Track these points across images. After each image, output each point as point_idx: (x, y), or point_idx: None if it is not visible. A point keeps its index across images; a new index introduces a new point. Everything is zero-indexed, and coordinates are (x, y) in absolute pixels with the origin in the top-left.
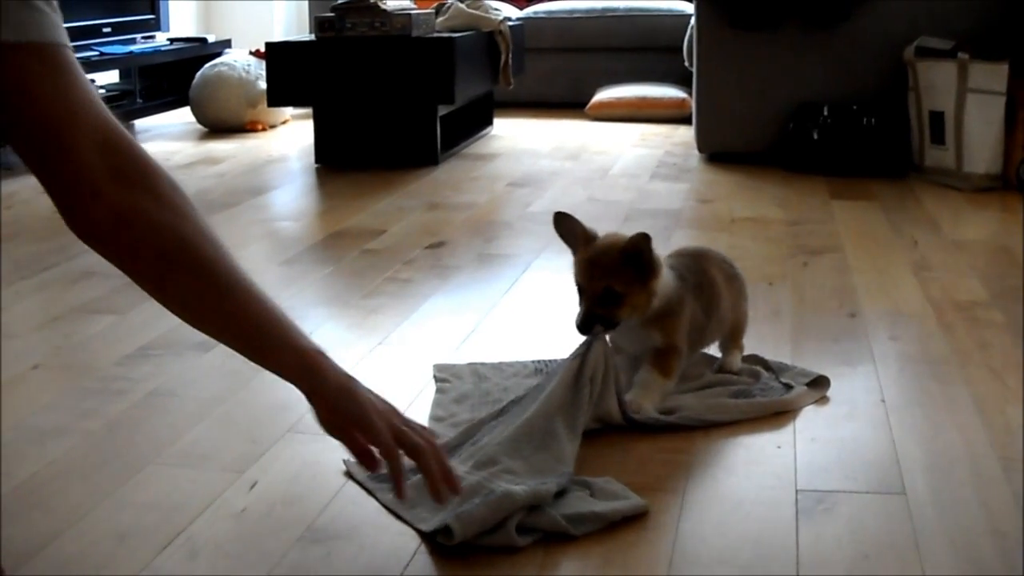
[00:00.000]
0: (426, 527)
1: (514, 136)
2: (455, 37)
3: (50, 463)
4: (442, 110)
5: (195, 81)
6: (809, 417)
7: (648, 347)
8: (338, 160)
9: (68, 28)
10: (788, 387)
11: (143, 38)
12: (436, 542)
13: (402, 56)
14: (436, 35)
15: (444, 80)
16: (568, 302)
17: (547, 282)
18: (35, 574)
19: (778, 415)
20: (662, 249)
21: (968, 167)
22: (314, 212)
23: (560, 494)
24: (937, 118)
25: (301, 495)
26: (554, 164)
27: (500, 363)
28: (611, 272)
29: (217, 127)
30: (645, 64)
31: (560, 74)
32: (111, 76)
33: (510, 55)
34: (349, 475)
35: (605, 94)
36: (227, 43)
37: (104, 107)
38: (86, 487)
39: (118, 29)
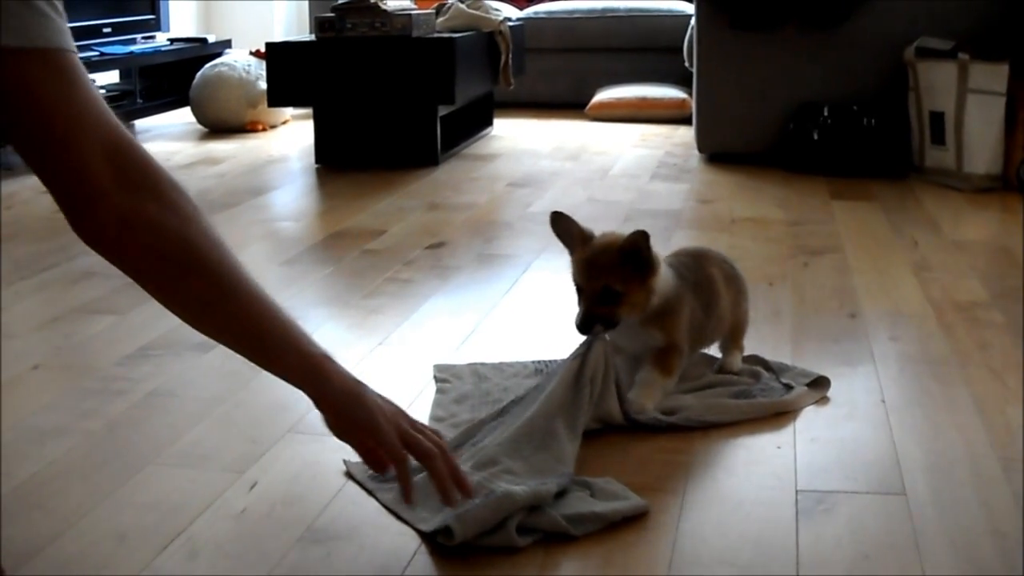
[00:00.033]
0: (426, 527)
1: (514, 136)
2: (455, 37)
3: (50, 463)
4: (442, 110)
5: (195, 81)
6: (809, 417)
7: (648, 346)
8: (338, 160)
9: (68, 28)
10: (789, 387)
11: (143, 38)
12: (436, 542)
13: (402, 56)
14: (436, 35)
15: (444, 80)
16: (568, 302)
17: (547, 283)
18: (35, 574)
19: (778, 415)
20: (662, 250)
21: (968, 167)
22: (314, 212)
23: (560, 494)
24: (937, 118)
25: (301, 495)
26: (554, 164)
27: (500, 363)
28: (609, 271)
29: (217, 127)
30: (645, 64)
31: (560, 74)
32: (111, 76)
33: (510, 55)
34: (349, 475)
35: (605, 94)
36: (227, 43)
37: (109, 112)
38: (86, 487)
39: (118, 29)
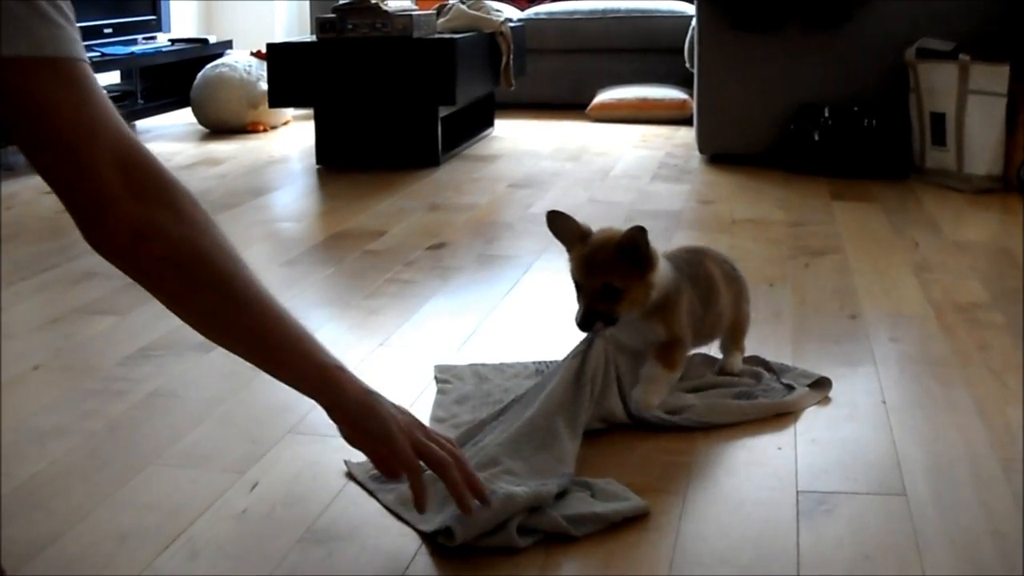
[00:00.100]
0: (427, 528)
1: (515, 137)
2: (456, 38)
3: (51, 464)
4: (443, 111)
5: (196, 82)
6: (810, 418)
7: (650, 341)
8: (339, 161)
9: (79, 37)
10: (790, 388)
11: (144, 39)
12: (437, 543)
13: (403, 57)
14: (437, 36)
15: (445, 81)
16: (569, 303)
17: (548, 283)
18: (36, 575)
19: (779, 416)
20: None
21: (969, 169)
22: (315, 213)
23: (561, 495)
24: (938, 119)
25: (302, 496)
26: (555, 165)
27: (501, 364)
28: (608, 267)
29: (218, 128)
30: (646, 65)
31: (561, 75)
32: (112, 77)
33: (511, 56)
34: (350, 476)
35: (606, 95)
36: (228, 44)
37: (121, 121)
38: (87, 488)
39: (119, 30)
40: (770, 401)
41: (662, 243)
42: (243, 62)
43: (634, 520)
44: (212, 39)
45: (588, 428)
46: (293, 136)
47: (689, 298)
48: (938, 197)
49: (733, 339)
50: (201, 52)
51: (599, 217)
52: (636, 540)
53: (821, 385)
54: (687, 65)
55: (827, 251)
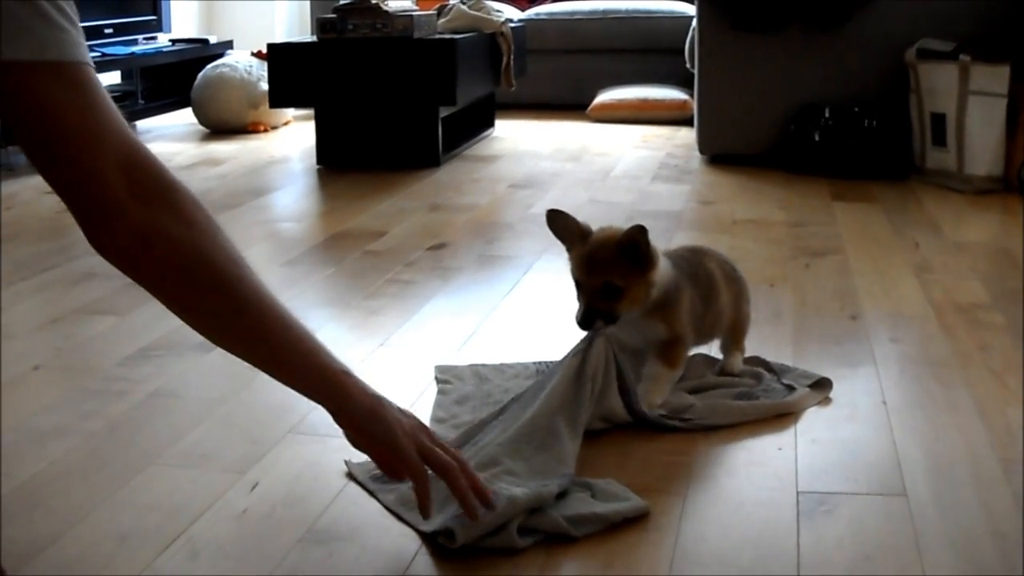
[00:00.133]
0: (428, 529)
1: (515, 138)
2: (457, 39)
3: (51, 464)
4: (444, 111)
5: (197, 82)
6: (810, 419)
7: (651, 339)
8: (340, 161)
9: (84, 41)
10: (790, 389)
11: (145, 39)
12: (438, 544)
13: (404, 57)
14: (438, 36)
15: (446, 81)
16: (569, 304)
17: (548, 284)
18: (36, 575)
19: (779, 417)
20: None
21: (969, 169)
22: (316, 213)
23: (561, 495)
24: (938, 120)
25: (302, 496)
26: (555, 166)
27: (501, 364)
28: (609, 266)
29: (219, 128)
30: (647, 66)
31: (562, 76)
32: (113, 77)
33: (512, 57)
34: (351, 476)
35: (607, 96)
36: (229, 44)
37: (125, 125)
38: (87, 488)
39: (120, 30)
40: (771, 402)
41: (663, 243)
42: (244, 62)
43: (634, 520)
44: (213, 39)
45: (589, 427)
46: (294, 136)
47: (690, 296)
48: (938, 198)
49: (733, 339)
50: (202, 52)
51: (600, 217)
52: (636, 540)
53: (821, 386)
54: (687, 65)
55: (827, 252)
